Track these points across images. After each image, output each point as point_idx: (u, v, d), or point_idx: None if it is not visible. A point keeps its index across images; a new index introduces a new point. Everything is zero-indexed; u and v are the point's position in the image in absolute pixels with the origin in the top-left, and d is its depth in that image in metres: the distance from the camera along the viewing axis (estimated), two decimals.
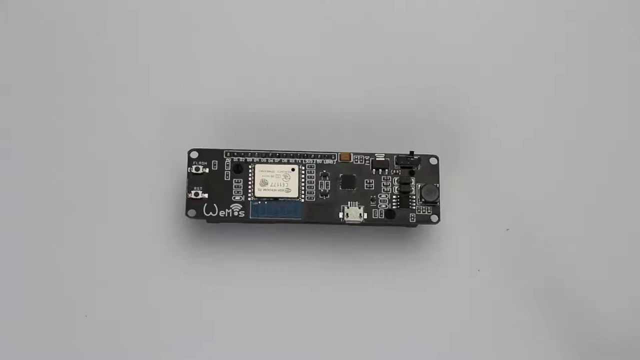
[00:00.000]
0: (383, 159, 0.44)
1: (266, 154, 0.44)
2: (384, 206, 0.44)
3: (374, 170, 0.44)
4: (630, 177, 0.47)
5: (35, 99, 0.47)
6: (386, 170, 0.44)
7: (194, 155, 0.44)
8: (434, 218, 0.44)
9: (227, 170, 0.44)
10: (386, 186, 0.44)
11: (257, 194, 0.44)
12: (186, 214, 0.44)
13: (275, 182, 0.44)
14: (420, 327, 0.45)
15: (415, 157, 0.44)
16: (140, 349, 0.44)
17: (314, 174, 0.44)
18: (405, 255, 0.46)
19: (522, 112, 0.48)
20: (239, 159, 0.44)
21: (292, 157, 0.44)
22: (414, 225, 0.44)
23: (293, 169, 0.44)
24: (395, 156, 0.44)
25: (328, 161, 0.44)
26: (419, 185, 0.44)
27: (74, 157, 0.46)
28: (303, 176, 0.44)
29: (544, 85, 0.48)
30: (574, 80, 0.48)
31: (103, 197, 0.46)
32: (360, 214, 0.44)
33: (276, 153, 0.45)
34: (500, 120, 0.48)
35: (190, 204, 0.44)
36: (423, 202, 0.44)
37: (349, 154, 0.44)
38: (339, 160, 0.45)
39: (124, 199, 0.46)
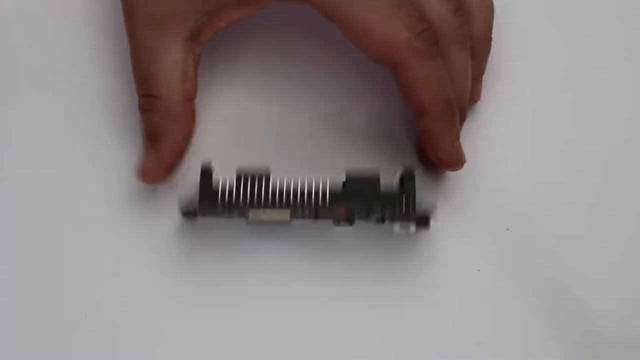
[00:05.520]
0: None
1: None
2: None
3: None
4: (630, 177, 0.47)
5: (35, 98, 0.47)
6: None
7: None
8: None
9: None
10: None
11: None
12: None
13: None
14: (420, 327, 0.45)
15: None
16: (140, 349, 0.44)
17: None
18: (405, 256, 0.46)
19: (522, 113, 0.48)
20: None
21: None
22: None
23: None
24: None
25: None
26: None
27: (74, 157, 0.47)
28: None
29: (544, 85, 0.48)
30: (574, 80, 0.48)
31: (102, 196, 0.46)
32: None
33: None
34: (501, 121, 0.48)
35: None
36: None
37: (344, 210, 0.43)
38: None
39: (123, 198, 0.46)
